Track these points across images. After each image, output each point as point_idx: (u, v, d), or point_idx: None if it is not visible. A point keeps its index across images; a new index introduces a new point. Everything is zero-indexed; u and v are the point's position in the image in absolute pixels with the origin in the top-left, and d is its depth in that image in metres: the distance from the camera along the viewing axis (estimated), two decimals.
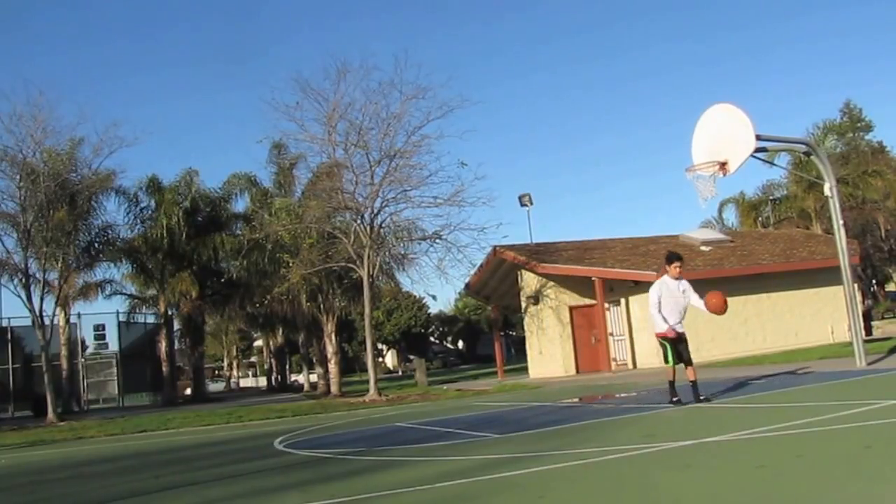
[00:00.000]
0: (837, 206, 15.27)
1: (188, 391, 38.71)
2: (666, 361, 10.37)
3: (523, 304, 28.31)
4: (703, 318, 25.12)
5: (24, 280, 22.36)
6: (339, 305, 30.29)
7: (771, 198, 39.52)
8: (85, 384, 32.25)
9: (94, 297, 33.70)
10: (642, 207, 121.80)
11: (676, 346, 10.22)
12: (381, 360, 67.63)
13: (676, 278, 10.28)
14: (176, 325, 35.00)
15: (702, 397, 10.06)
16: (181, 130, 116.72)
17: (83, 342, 35.77)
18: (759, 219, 39.10)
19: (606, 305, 24.80)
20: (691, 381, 10.20)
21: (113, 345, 33.80)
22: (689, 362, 10.29)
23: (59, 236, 22.70)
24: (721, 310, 10.18)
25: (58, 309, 26.96)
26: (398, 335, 60.96)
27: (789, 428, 6.99)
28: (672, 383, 10.26)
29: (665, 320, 10.13)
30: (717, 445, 6.62)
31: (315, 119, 21.93)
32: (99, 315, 39.32)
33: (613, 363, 24.51)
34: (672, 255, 10.57)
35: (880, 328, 30.20)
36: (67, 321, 30.99)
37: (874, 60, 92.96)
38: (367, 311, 22.60)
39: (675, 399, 10.10)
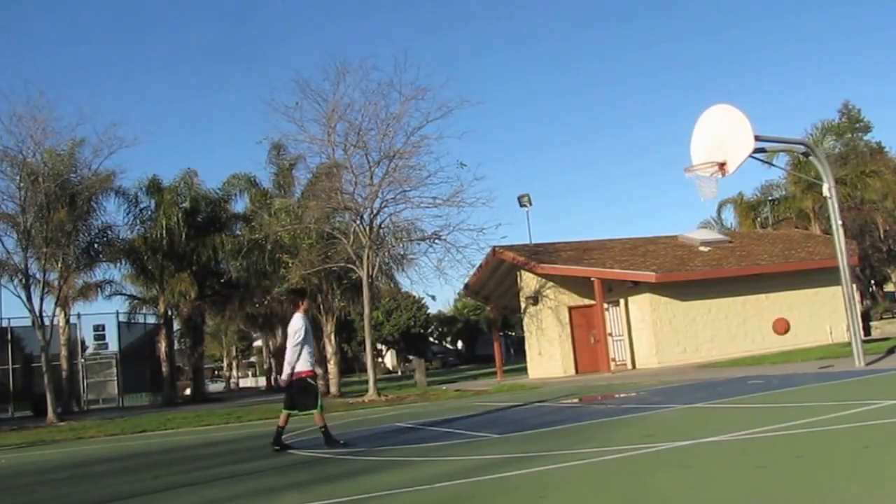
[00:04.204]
0: (836, 206, 15.30)
1: (188, 391, 38.62)
2: (317, 406, 9.15)
3: (522, 305, 28.30)
4: (703, 317, 25.11)
5: (24, 280, 22.33)
6: (339, 306, 30.25)
7: (770, 198, 39.52)
8: (85, 384, 32.20)
9: (94, 298, 33.67)
10: (641, 208, 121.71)
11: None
12: (380, 360, 67.57)
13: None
14: (176, 326, 34.96)
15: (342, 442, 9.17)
16: (181, 130, 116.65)
17: (83, 342, 35.72)
18: (758, 219, 39.09)
19: (605, 306, 24.80)
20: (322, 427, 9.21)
21: (113, 345, 33.76)
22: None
23: (59, 237, 22.67)
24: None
25: (58, 309, 26.93)
26: (397, 335, 60.77)
27: (789, 428, 7.01)
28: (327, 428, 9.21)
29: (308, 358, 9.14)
30: (717, 445, 6.63)
31: (314, 120, 21.94)
32: (99, 315, 39.14)
33: (612, 363, 24.50)
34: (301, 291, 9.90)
35: (879, 328, 30.25)
36: (67, 321, 30.97)
37: (873, 61, 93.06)
38: (366, 311, 22.60)
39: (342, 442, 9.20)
